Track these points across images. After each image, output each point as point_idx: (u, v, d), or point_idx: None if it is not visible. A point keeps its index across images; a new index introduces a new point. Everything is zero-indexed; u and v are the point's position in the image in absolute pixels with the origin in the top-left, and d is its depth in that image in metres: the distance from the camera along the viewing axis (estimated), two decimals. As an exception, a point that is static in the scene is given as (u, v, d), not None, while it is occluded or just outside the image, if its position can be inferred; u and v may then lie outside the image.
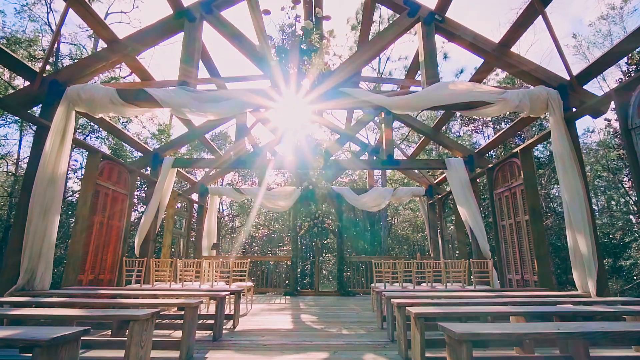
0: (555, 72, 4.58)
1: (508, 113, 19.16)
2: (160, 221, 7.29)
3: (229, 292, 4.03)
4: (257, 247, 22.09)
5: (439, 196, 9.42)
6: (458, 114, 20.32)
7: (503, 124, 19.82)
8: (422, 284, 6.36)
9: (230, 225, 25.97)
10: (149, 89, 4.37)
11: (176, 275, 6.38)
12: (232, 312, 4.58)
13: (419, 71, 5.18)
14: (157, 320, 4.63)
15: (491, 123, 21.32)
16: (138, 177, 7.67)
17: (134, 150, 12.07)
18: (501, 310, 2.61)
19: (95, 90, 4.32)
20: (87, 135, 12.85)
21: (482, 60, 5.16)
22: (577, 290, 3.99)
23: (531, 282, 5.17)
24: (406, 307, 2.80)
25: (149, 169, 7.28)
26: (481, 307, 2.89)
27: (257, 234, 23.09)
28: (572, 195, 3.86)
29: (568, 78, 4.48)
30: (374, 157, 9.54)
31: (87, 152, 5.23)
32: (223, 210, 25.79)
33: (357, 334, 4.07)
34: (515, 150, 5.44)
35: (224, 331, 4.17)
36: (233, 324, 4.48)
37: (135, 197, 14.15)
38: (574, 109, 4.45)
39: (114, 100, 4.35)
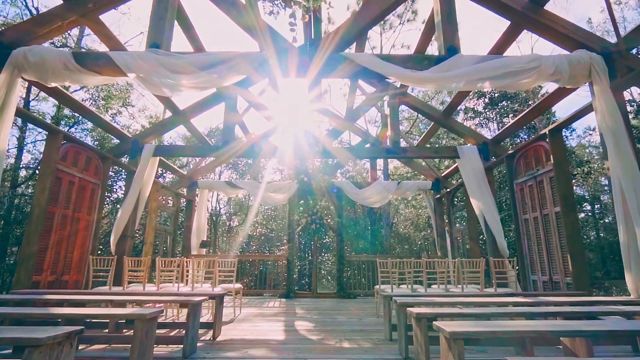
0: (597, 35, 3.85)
1: (515, 106, 18.32)
2: (140, 216, 6.57)
3: (205, 297, 3.30)
4: (255, 247, 21.44)
5: (447, 190, 8.71)
6: (460, 106, 19.53)
7: (509, 117, 19.11)
8: (433, 286, 5.64)
9: (228, 224, 25.26)
10: (111, 52, 3.65)
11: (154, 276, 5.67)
12: (213, 320, 3.86)
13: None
14: (124, 330, 3.92)
15: (495, 118, 20.61)
16: (115, 166, 6.95)
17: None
18: (566, 327, 1.88)
19: (46, 52, 3.59)
20: (72, 127, 12.11)
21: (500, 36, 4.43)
22: (625, 295, 3.28)
23: (562, 285, 4.45)
24: (432, 321, 2.07)
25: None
26: (532, 323, 2.15)
27: (255, 233, 22.44)
28: (628, 178, 3.14)
29: (613, 41, 3.76)
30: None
31: (47, 133, 4.50)
32: (220, 208, 25.09)
33: (361, 348, 3.34)
34: (542, 132, 4.72)
35: (200, 344, 3.45)
36: (213, 333, 3.76)
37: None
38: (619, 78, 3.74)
39: (68, 65, 3.62)
